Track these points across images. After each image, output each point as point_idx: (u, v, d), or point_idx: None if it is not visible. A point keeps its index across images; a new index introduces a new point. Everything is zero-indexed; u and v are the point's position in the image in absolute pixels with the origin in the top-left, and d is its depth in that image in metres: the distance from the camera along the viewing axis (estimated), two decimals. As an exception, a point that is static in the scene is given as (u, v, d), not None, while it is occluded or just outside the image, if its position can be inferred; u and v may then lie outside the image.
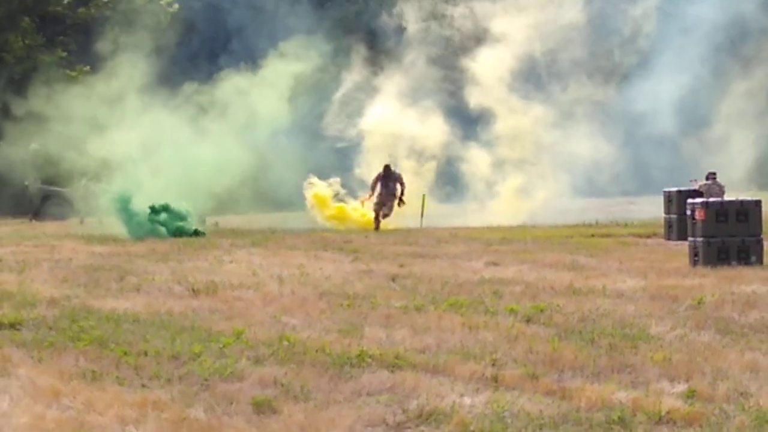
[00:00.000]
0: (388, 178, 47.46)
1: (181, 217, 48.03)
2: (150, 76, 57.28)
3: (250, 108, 56.02)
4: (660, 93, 73.62)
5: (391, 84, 66.61)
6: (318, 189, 56.66)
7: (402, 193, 48.87)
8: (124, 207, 47.14)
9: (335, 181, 57.81)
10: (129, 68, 56.13)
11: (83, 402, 14.06)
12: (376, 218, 47.48)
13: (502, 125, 65.50)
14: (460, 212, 56.07)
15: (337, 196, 57.20)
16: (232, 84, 57.63)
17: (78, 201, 57.27)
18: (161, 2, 71.38)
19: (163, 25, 65.62)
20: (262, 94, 57.55)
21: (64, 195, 59.20)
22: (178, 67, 60.62)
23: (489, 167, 62.23)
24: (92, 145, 52.57)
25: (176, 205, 47.77)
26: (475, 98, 66.31)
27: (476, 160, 62.16)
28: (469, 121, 67.17)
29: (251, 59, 61.91)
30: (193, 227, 47.20)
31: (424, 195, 54.43)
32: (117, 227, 47.09)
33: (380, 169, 50.75)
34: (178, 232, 46.45)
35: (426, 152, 60.82)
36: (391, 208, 48.90)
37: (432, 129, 62.45)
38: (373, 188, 48.49)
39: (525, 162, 65.53)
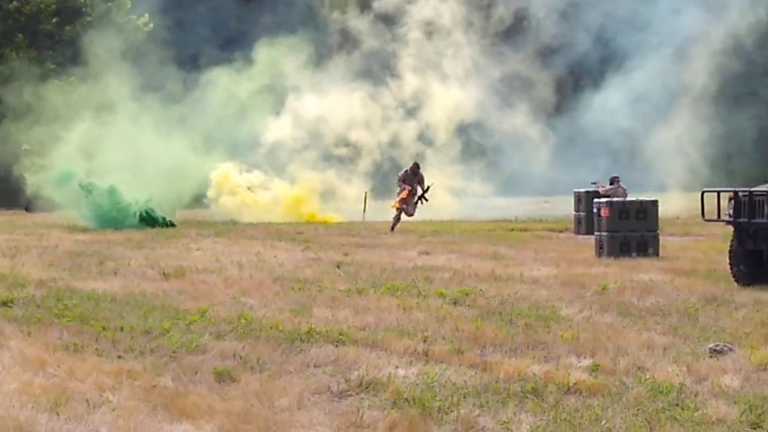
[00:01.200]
0: (416, 176, 43.72)
1: (119, 202, 47.21)
2: (128, 84, 57.06)
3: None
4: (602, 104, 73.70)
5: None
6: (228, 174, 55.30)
7: (426, 191, 44.71)
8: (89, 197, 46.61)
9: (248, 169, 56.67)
10: (109, 77, 55.78)
11: (66, 370, 14.08)
12: (398, 217, 43.46)
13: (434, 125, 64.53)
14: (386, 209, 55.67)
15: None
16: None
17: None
18: (138, 22, 71.06)
19: (140, 41, 65.18)
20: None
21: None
22: (156, 76, 60.05)
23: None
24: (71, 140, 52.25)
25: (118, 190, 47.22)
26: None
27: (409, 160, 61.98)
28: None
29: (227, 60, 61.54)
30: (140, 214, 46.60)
31: (366, 192, 54.43)
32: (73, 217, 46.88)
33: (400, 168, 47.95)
34: (148, 221, 46.04)
35: (363, 151, 60.35)
36: (414, 208, 44.88)
37: (371, 129, 61.64)
38: (406, 184, 43.96)
39: (455, 163, 65.29)
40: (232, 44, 64.85)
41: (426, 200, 44.19)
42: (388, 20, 68.81)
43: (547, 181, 67.66)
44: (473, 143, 68.73)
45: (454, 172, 64.26)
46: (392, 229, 41.78)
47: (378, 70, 65.78)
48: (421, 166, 43.93)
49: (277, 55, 60.23)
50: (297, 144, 58.51)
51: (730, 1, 74.04)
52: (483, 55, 71.88)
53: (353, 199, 55.56)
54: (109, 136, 51.20)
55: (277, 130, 57.75)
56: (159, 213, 46.90)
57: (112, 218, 45.77)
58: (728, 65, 73.10)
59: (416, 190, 43.58)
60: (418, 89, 63.88)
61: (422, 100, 64.62)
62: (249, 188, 55.08)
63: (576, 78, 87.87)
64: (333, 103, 60.13)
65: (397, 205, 42.25)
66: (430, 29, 69.25)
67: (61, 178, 47.32)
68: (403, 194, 42.63)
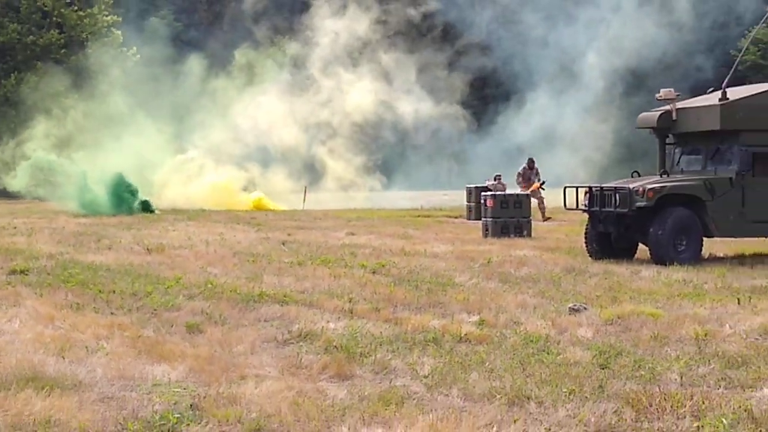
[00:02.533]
0: (532, 170, 39.77)
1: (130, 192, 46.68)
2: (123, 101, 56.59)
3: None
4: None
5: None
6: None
7: (542, 183, 39.97)
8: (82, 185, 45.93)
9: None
10: (109, 94, 55.26)
11: (70, 324, 14.05)
12: (543, 209, 39.53)
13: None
14: (325, 199, 55.11)
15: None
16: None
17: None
18: (128, 53, 70.50)
19: (131, 68, 64.60)
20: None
21: None
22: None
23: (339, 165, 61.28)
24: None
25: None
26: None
27: (329, 161, 61.22)
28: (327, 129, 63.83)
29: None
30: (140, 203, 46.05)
31: (305, 186, 54.16)
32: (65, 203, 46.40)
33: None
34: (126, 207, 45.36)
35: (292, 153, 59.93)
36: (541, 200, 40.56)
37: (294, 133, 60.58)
38: (523, 179, 40.05)
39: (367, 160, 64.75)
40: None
41: (544, 189, 40.21)
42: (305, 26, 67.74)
43: (447, 176, 67.46)
44: (386, 141, 67.85)
45: (365, 167, 63.76)
46: (544, 218, 38.85)
47: (299, 76, 64.48)
48: (535, 161, 40.66)
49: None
50: (228, 143, 57.35)
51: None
52: (398, 56, 70.75)
53: (282, 191, 54.92)
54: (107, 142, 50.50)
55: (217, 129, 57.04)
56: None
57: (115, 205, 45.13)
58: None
59: (534, 182, 39.93)
60: (332, 89, 62.43)
61: (335, 99, 62.87)
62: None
63: (486, 84, 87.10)
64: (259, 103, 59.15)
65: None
66: (343, 32, 67.28)
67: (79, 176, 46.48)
68: (534, 186, 39.19)
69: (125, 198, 45.66)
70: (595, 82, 70.25)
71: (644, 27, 73.74)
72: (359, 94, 62.79)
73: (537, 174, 38.66)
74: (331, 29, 65.62)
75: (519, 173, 39.27)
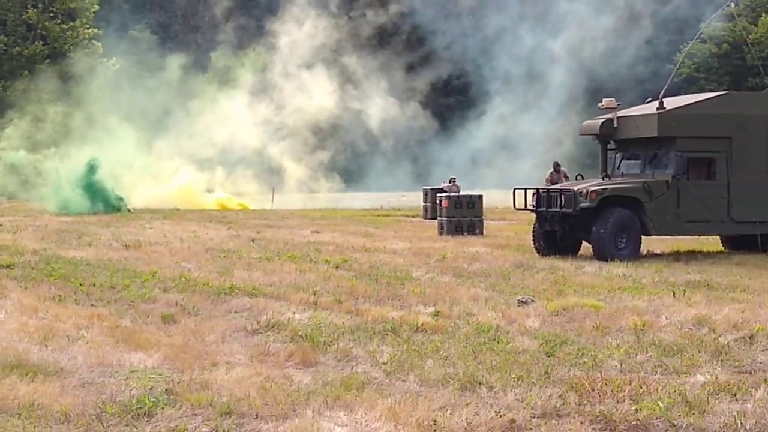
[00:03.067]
0: (559, 173, 35.36)
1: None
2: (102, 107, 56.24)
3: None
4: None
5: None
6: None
7: None
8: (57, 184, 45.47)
9: None
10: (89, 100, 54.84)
11: (53, 315, 13.98)
12: None
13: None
14: (291, 200, 54.88)
15: None
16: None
17: None
18: (108, 63, 70.19)
19: (111, 78, 64.11)
20: None
21: None
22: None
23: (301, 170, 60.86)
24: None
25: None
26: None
27: (290, 163, 60.78)
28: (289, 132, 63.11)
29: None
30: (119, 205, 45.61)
31: (273, 188, 54.04)
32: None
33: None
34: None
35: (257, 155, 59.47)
36: None
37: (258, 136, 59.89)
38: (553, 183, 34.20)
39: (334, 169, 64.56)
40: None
41: None
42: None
43: (406, 178, 67.37)
44: (347, 144, 67.50)
45: (326, 169, 63.49)
46: None
47: (264, 80, 63.86)
48: (561, 164, 36.86)
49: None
50: (197, 146, 56.76)
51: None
52: (362, 60, 70.19)
53: (247, 192, 54.48)
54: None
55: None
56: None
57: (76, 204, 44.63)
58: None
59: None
60: (295, 93, 61.79)
61: (298, 103, 62.17)
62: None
63: (448, 90, 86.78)
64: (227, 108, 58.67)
65: None
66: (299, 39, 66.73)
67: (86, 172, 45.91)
68: None
69: (98, 191, 45.17)
70: (555, 90, 70.33)
71: (603, 39, 74.10)
72: (322, 98, 62.42)
73: (565, 177, 37.37)
74: (297, 34, 65.11)
75: (547, 179, 37.62)
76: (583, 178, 25.26)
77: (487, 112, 72.43)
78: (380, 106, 66.91)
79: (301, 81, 62.44)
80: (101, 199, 44.84)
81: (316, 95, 62.26)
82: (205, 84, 60.78)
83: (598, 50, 73.27)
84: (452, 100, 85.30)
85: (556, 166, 34.62)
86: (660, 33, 75.19)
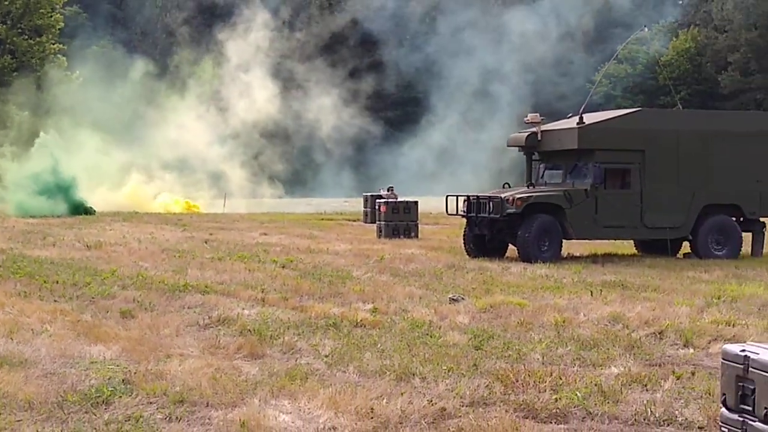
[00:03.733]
0: None
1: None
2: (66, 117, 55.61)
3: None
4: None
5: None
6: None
7: None
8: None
9: None
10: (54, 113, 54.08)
11: (18, 310, 13.88)
12: None
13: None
14: (239, 204, 54.32)
15: None
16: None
17: None
18: (72, 76, 69.41)
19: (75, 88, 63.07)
20: None
21: None
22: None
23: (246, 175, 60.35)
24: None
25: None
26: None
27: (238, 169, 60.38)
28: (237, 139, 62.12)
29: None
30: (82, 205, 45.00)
31: (225, 193, 53.80)
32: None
33: None
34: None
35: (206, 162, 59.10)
36: None
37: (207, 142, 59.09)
38: None
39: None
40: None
41: None
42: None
43: (349, 185, 67.18)
44: (294, 150, 66.94)
45: (271, 175, 62.97)
46: None
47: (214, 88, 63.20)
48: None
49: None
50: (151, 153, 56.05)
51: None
52: (311, 68, 69.52)
53: (198, 196, 54.06)
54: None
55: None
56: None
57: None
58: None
59: None
60: (243, 100, 61.06)
61: (246, 109, 61.25)
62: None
63: (394, 101, 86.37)
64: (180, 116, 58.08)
65: None
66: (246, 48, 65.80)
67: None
68: None
69: (63, 193, 44.60)
70: (497, 104, 70.42)
71: (539, 58, 74.73)
72: (268, 106, 61.83)
73: None
74: (248, 41, 64.52)
75: None
76: (509, 186, 25.35)
77: (431, 123, 72.30)
78: (327, 114, 66.57)
79: (249, 89, 61.69)
80: (68, 202, 44.32)
81: (263, 104, 61.57)
82: (162, 95, 60.07)
83: (535, 67, 73.94)
84: (398, 111, 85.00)
85: None
86: (580, 54, 75.70)
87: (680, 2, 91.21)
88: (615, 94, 79.21)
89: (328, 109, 67.00)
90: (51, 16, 79.25)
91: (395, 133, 77.04)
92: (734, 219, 24.10)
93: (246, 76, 61.95)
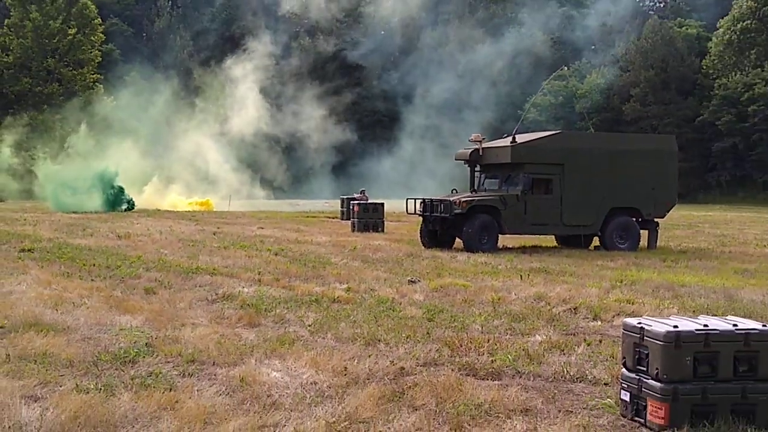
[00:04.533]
0: None
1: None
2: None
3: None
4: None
5: None
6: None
7: None
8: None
9: None
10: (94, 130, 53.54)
11: (62, 287, 13.82)
12: None
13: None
14: (240, 204, 53.67)
15: None
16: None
17: None
18: (107, 100, 68.73)
19: (109, 109, 62.19)
20: None
21: None
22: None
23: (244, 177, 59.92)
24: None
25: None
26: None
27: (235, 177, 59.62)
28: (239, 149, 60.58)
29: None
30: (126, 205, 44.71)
31: (230, 195, 53.41)
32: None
33: None
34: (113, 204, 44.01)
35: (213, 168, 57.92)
36: None
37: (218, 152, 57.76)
38: None
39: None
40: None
41: None
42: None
43: (330, 188, 66.91)
44: (288, 160, 66.32)
45: (266, 180, 62.24)
46: None
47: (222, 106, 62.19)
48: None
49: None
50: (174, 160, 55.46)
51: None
52: (302, 88, 68.60)
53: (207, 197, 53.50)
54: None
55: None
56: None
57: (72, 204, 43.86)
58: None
59: None
60: (240, 121, 59.74)
61: (242, 129, 59.86)
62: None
63: (371, 119, 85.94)
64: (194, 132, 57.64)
65: None
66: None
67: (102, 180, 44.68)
68: None
69: (113, 193, 44.31)
70: (456, 123, 70.27)
71: (484, 86, 75.06)
72: (267, 121, 61.11)
73: None
74: (247, 68, 63.81)
75: None
76: (456, 192, 25.37)
77: (403, 137, 72.08)
78: (313, 128, 65.86)
79: (248, 108, 60.89)
80: (113, 200, 43.95)
81: (260, 119, 60.75)
82: (179, 114, 59.11)
83: (489, 94, 74.14)
84: (376, 126, 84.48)
85: None
86: (516, 88, 75.95)
87: (593, 47, 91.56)
88: (541, 119, 79.35)
89: (314, 124, 66.35)
90: (91, 52, 79.69)
91: (372, 145, 76.79)
92: (634, 219, 24.23)
93: (247, 98, 61.24)
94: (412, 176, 64.58)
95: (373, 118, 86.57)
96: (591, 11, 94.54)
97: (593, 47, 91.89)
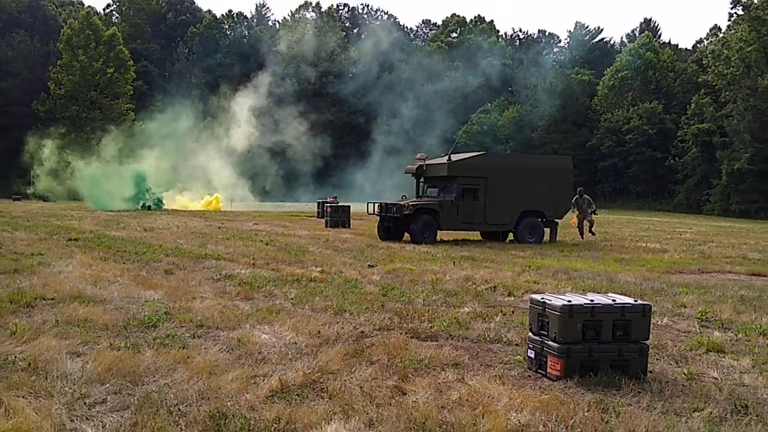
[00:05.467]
0: (582, 199, 25.80)
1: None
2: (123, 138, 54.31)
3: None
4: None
5: None
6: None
7: (594, 211, 26.38)
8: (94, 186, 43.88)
9: None
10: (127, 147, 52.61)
11: (100, 268, 13.60)
12: (581, 229, 26.38)
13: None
14: (238, 205, 52.90)
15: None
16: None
17: None
18: (137, 124, 67.72)
19: (139, 131, 60.96)
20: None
21: None
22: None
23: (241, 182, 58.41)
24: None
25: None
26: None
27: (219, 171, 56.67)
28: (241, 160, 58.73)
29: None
30: (154, 204, 43.91)
31: (231, 198, 52.60)
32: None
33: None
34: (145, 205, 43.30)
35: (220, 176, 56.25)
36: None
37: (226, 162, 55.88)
38: (576, 206, 25.67)
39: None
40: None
41: (595, 213, 26.91)
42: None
43: (312, 192, 66.29)
44: (276, 168, 65.13)
45: (257, 185, 61.33)
46: (582, 236, 26.34)
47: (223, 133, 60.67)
48: (583, 191, 26.17)
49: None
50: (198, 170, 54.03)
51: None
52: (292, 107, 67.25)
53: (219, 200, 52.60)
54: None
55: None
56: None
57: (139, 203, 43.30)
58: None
59: (585, 210, 26.03)
60: (239, 137, 57.81)
61: (242, 144, 57.71)
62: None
63: (350, 136, 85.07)
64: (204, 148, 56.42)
65: (575, 222, 26.06)
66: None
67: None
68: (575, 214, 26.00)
69: (145, 195, 43.78)
70: (416, 140, 70.14)
71: (431, 116, 75.14)
72: (261, 136, 59.98)
73: (588, 203, 26.01)
74: (246, 94, 62.70)
75: (572, 201, 25.62)
76: (406, 197, 25.37)
77: (373, 151, 71.48)
78: (299, 142, 64.86)
79: (246, 126, 59.78)
80: (144, 201, 43.42)
81: (256, 135, 59.75)
82: (193, 135, 57.89)
83: (441, 119, 74.28)
84: (352, 141, 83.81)
85: (580, 192, 25.95)
86: (452, 118, 76.11)
87: (510, 89, 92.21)
88: (470, 143, 79.67)
89: (298, 140, 65.09)
90: (125, 87, 79.78)
91: (347, 156, 76.23)
92: (539, 219, 24.41)
93: (244, 119, 60.27)
94: (378, 184, 64.18)
95: (348, 133, 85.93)
96: (510, 61, 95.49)
97: (510, 89, 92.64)
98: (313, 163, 67.81)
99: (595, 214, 26.83)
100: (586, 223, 26.55)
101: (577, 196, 25.82)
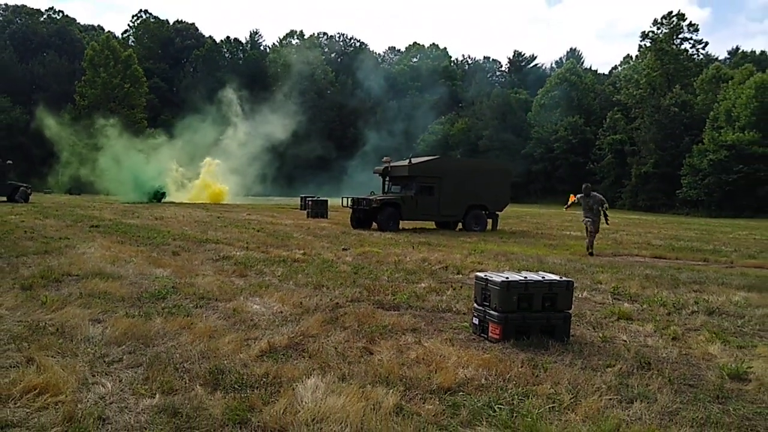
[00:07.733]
0: (589, 197, 16.85)
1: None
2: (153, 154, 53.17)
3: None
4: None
5: None
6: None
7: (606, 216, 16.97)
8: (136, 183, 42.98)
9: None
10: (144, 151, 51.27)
11: (118, 250, 13.34)
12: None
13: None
14: (236, 198, 51.81)
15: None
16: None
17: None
18: (153, 134, 66.00)
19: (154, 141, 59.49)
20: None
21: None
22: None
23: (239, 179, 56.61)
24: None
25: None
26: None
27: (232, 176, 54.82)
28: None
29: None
30: (161, 196, 43.42)
31: (230, 193, 51.54)
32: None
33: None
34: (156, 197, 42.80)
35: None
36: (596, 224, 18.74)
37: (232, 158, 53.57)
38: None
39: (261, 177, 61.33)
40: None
41: (607, 220, 18.11)
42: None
43: (298, 188, 65.37)
44: (267, 166, 63.57)
45: (253, 181, 60.36)
46: (590, 248, 16.83)
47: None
48: (591, 188, 18.85)
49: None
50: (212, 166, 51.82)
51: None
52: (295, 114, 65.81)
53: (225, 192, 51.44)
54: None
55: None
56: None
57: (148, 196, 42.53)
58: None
59: (596, 212, 17.93)
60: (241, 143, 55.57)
61: (244, 147, 55.40)
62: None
63: (343, 143, 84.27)
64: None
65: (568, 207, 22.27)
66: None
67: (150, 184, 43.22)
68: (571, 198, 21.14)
69: (146, 188, 42.87)
70: (402, 145, 69.59)
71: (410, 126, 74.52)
72: (260, 141, 58.61)
73: (597, 202, 18.38)
74: (253, 106, 60.97)
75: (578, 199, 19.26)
76: (374, 193, 25.31)
77: (356, 162, 70.84)
78: (295, 144, 63.62)
79: (248, 132, 58.33)
80: (153, 195, 42.71)
81: (255, 140, 58.53)
82: (201, 141, 56.54)
83: (418, 128, 74.05)
84: (344, 143, 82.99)
85: (586, 189, 17.58)
86: (414, 129, 76.22)
87: (460, 104, 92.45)
88: (427, 149, 79.78)
89: (294, 141, 63.74)
90: (139, 99, 78.94)
91: (339, 157, 75.38)
92: (483, 212, 24.53)
93: (247, 127, 59.12)
94: (368, 183, 63.42)
95: (340, 136, 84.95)
96: (460, 81, 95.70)
97: (460, 104, 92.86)
98: (304, 162, 66.46)
99: (607, 220, 16.92)
100: (588, 229, 16.83)
101: (582, 194, 16.92)
